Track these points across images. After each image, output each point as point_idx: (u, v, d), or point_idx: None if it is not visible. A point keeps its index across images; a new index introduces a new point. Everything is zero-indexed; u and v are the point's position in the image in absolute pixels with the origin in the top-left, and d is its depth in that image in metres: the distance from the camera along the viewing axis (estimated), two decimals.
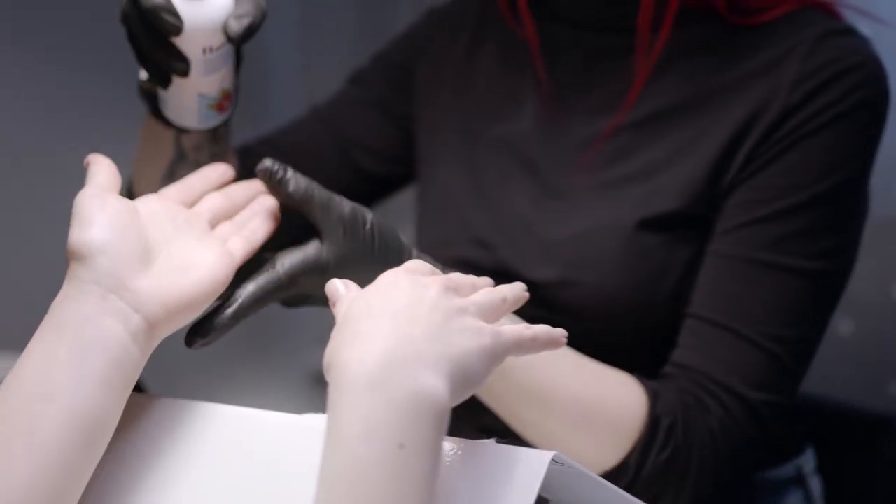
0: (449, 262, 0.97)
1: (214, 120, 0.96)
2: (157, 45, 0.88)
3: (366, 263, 0.83)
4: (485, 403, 0.94)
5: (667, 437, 0.94)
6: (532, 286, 1.00)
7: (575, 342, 0.91)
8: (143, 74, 0.97)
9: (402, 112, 1.22)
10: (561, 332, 0.72)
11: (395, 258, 0.85)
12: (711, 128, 1.02)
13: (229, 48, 0.91)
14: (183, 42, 0.88)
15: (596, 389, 0.93)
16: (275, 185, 0.84)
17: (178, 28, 0.86)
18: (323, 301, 0.75)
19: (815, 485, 1.17)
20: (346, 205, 0.84)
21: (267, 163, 0.84)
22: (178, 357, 0.89)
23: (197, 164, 0.99)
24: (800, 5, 1.04)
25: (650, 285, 1.01)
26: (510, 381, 0.91)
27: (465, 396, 0.66)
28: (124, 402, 0.73)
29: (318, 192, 0.83)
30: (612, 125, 1.05)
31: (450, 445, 0.67)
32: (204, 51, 0.89)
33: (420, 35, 1.24)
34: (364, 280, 0.72)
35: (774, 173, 0.99)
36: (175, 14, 0.86)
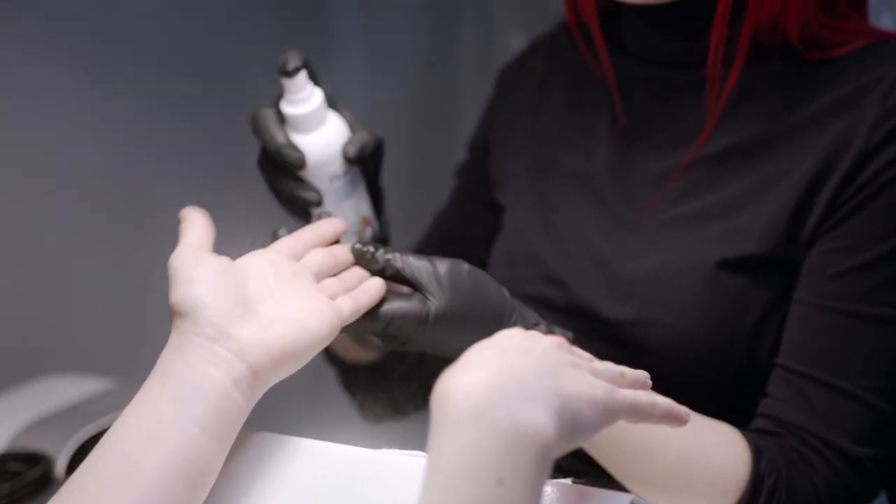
0: (522, 300, 0.96)
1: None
2: (289, 183, 0.95)
3: (467, 314, 0.85)
4: (588, 452, 0.93)
5: (770, 497, 0.93)
6: (606, 324, 1.00)
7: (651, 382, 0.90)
8: (283, 231, 1.02)
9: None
10: (685, 410, 0.70)
11: (496, 308, 0.86)
12: (790, 168, 1.00)
13: (356, 175, 0.97)
14: (309, 173, 0.95)
15: (700, 444, 0.92)
16: (366, 264, 0.87)
17: (301, 160, 0.93)
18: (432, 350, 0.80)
19: None
20: (440, 265, 0.85)
21: (357, 245, 0.88)
22: None
23: None
24: (874, 40, 1.02)
25: (728, 326, 1.00)
26: (612, 431, 0.90)
27: (573, 444, 0.63)
28: (227, 449, 0.73)
29: (408, 267, 0.86)
30: (688, 160, 1.04)
31: None
32: (330, 178, 0.95)
33: (493, 101, 1.25)
34: (464, 331, 0.75)
35: (863, 220, 0.98)
36: (295, 148, 0.93)
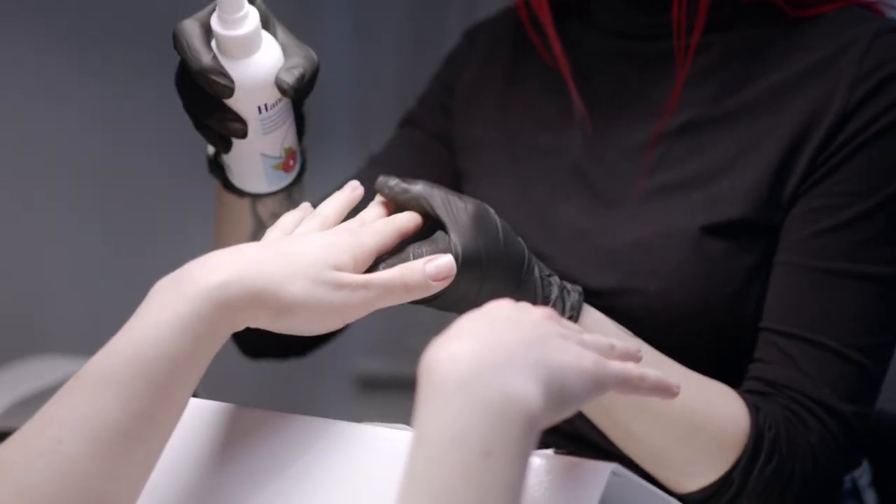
0: None
1: (283, 181, 0.94)
2: (211, 109, 0.87)
3: (494, 259, 0.82)
4: (587, 415, 0.93)
5: (771, 450, 0.93)
6: (592, 294, 1.00)
7: None
8: (210, 149, 0.96)
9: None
10: (675, 383, 0.70)
11: (518, 256, 0.84)
12: (769, 130, 1.01)
13: (286, 105, 0.90)
14: (237, 102, 0.86)
15: (703, 401, 0.93)
16: (395, 195, 0.83)
17: (229, 88, 0.85)
18: (450, 301, 0.78)
19: (871, 498, 1.15)
20: (469, 201, 0.83)
21: (381, 178, 0.84)
22: (224, 364, 0.89)
23: None
24: (848, 3, 1.03)
25: (712, 292, 1.00)
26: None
27: (561, 415, 0.63)
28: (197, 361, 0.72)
29: (439, 190, 0.82)
30: (659, 127, 1.04)
31: None
32: (259, 109, 0.88)
33: (458, 56, 1.23)
34: (489, 280, 0.76)
35: (841, 180, 0.98)
36: (225, 74, 0.85)
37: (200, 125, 0.90)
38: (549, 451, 0.67)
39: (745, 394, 0.96)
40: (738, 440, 0.93)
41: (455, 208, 0.82)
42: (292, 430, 0.76)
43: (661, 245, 1.01)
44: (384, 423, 0.76)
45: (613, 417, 0.92)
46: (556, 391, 0.61)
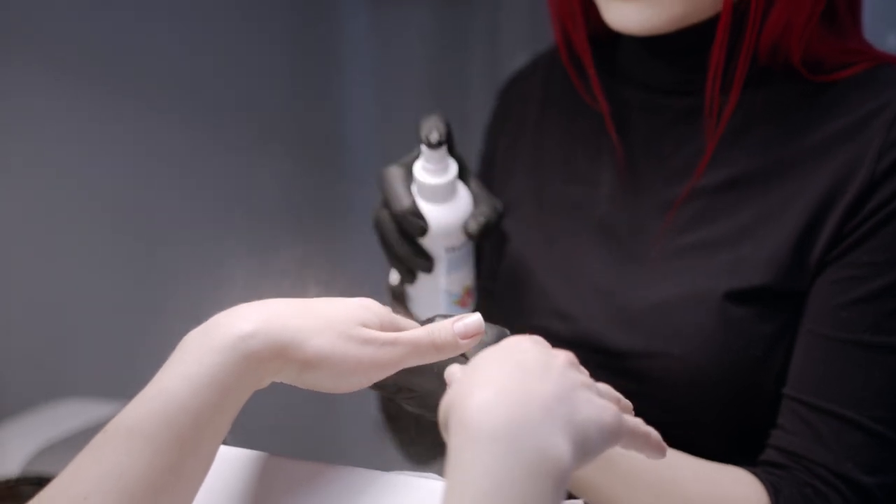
0: (528, 332, 0.96)
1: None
2: (405, 245, 0.96)
3: None
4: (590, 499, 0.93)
5: None
6: (613, 356, 0.99)
7: (657, 413, 0.90)
8: (394, 277, 1.04)
9: None
10: (664, 447, 0.71)
11: None
12: (795, 196, 1.00)
13: (470, 248, 0.99)
14: (428, 241, 0.97)
15: (718, 490, 0.93)
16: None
17: (423, 229, 0.96)
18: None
19: None
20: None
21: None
22: (244, 406, 0.89)
23: None
24: (877, 62, 1.02)
25: (734, 357, 0.99)
26: (631, 475, 0.91)
27: (581, 467, 0.63)
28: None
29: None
30: (687, 190, 1.03)
31: None
32: (447, 250, 0.98)
33: (494, 126, 1.24)
34: None
35: (870, 250, 0.97)
36: (421, 217, 0.95)
37: (392, 257, 0.98)
38: (580, 502, 0.67)
39: (762, 473, 0.95)
40: None
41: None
42: (320, 479, 0.76)
43: (684, 308, 1.00)
44: (412, 472, 0.76)
45: (621, 499, 0.92)
46: (580, 446, 0.62)
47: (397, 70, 1.94)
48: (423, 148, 0.94)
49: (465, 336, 0.76)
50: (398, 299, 1.04)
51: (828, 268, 0.98)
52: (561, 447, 0.60)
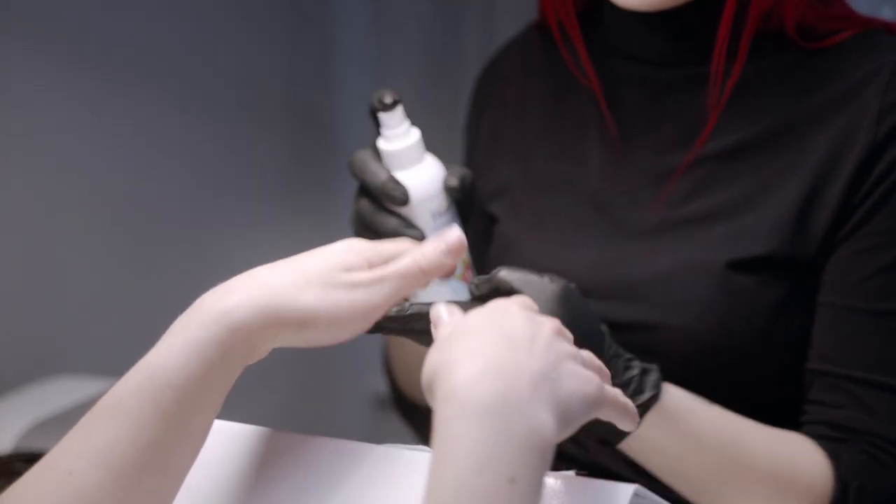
0: None
1: (463, 292, 0.97)
2: (390, 223, 0.94)
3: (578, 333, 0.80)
4: (660, 475, 0.93)
5: (857, 501, 0.93)
6: (614, 329, 1.00)
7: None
8: None
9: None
10: (637, 419, 0.71)
11: (598, 339, 0.86)
12: (793, 164, 1.00)
13: (455, 215, 0.97)
14: (412, 211, 0.95)
15: (788, 455, 0.93)
16: (483, 292, 0.82)
17: (405, 194, 0.93)
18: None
19: None
20: (552, 284, 0.82)
21: (475, 279, 0.83)
22: (239, 382, 0.89)
23: None
24: (866, 28, 1.02)
25: (736, 327, 0.99)
26: (695, 434, 0.91)
27: (560, 439, 0.64)
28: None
29: (519, 272, 0.82)
30: (690, 158, 1.03)
31: None
32: (433, 216, 0.95)
33: (474, 113, 1.22)
34: None
35: (888, 215, 0.97)
36: (399, 184, 0.93)
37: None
38: (571, 473, 0.67)
39: (822, 442, 0.96)
40: (824, 493, 0.93)
41: (538, 287, 0.81)
42: (312, 452, 0.76)
43: (683, 278, 1.00)
44: (404, 445, 0.76)
45: (695, 485, 0.92)
46: (563, 419, 0.62)
47: (394, 54, 1.94)
48: (381, 115, 0.93)
49: (450, 252, 0.76)
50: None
51: (846, 240, 0.98)
52: (547, 422, 0.60)
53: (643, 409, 0.87)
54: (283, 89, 1.80)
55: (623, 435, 0.87)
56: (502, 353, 0.62)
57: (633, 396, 0.86)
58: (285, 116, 1.80)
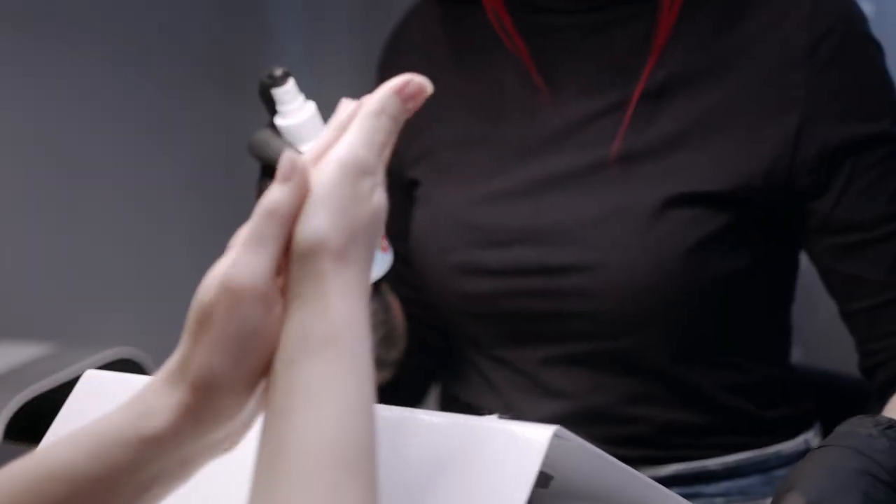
0: (449, 269, 0.99)
1: (384, 263, 0.96)
2: None
3: None
4: None
5: None
6: (553, 273, 1.00)
7: (604, 330, 0.90)
8: None
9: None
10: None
11: None
12: (725, 98, 1.01)
13: None
14: None
15: None
16: None
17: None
18: None
19: None
20: None
21: None
22: None
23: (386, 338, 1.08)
24: None
25: (674, 265, 1.00)
26: None
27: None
28: None
29: None
30: (636, 95, 1.03)
31: (451, 421, 0.66)
32: None
33: (384, 76, 1.21)
34: None
35: (871, 142, 1.01)
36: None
37: None
38: (493, 416, 0.67)
39: None
40: None
41: None
42: None
43: (620, 218, 1.01)
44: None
45: None
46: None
47: (326, 15, 1.93)
48: (275, 92, 0.90)
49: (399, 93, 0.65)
50: None
51: (830, 188, 1.01)
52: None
53: None
54: (211, 32, 1.79)
55: None
56: None
57: None
58: (213, 61, 1.78)
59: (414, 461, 0.61)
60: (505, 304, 1.07)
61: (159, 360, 0.78)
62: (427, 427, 0.63)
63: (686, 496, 0.77)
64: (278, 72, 0.89)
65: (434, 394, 1.25)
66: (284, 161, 0.59)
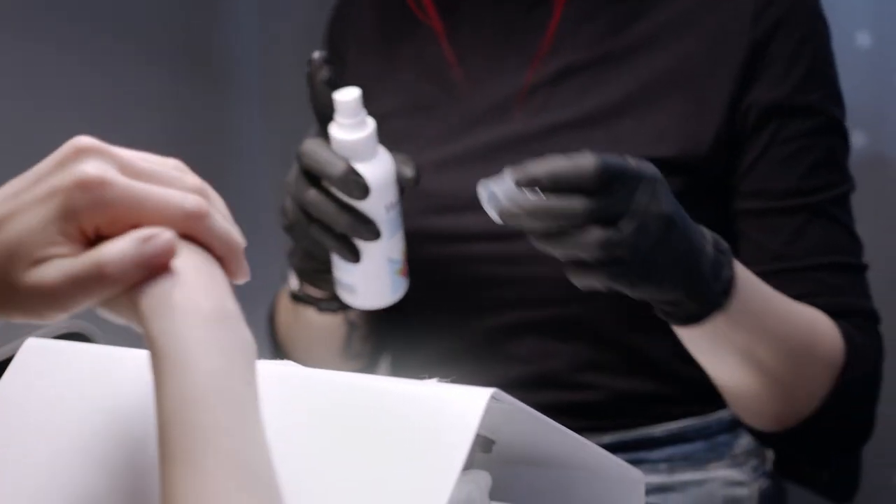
0: (406, 232, 0.99)
1: (402, 288, 0.96)
2: (342, 219, 0.88)
3: None
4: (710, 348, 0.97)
5: (864, 354, 1.02)
6: (501, 239, 1.00)
7: (554, 293, 0.91)
8: (294, 283, 1.00)
9: None
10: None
11: None
12: (668, 68, 1.02)
13: (401, 206, 0.93)
14: (368, 204, 0.90)
15: (814, 324, 1.00)
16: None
17: (366, 188, 0.88)
18: None
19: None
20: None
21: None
22: None
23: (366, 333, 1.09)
24: None
25: None
26: (760, 318, 0.95)
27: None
28: None
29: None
30: (529, 75, 1.04)
31: (389, 384, 0.66)
32: (387, 209, 0.91)
33: (333, 46, 1.22)
34: None
35: (801, 114, 1.03)
36: (360, 176, 0.88)
37: (331, 239, 0.91)
38: (433, 380, 0.67)
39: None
40: (841, 349, 1.01)
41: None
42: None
43: None
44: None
45: (754, 344, 0.96)
46: None
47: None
48: (340, 103, 0.88)
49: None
50: (307, 302, 1.02)
51: (751, 147, 1.03)
52: None
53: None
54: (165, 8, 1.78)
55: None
56: None
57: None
58: (167, 37, 1.77)
59: (350, 426, 0.61)
60: (456, 270, 1.07)
61: (108, 334, 0.78)
62: (363, 391, 0.63)
63: (630, 462, 0.78)
64: (355, 91, 0.87)
65: (385, 362, 1.26)
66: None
